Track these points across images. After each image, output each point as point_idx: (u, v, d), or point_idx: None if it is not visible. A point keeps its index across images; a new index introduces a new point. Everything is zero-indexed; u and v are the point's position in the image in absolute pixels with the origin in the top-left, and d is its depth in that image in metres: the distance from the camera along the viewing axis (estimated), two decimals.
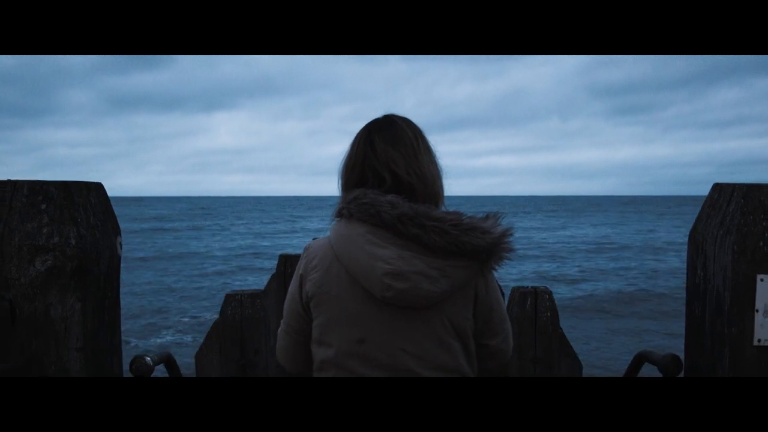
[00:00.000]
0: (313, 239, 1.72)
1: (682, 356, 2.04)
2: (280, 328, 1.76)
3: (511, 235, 1.58)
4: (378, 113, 1.74)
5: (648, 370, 2.05)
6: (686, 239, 2.12)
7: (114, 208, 1.99)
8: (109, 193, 1.98)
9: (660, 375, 1.98)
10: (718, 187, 1.96)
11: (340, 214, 1.62)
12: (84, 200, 1.82)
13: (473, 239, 1.52)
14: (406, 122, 1.70)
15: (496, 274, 1.68)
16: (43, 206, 1.75)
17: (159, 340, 11.77)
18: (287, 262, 3.31)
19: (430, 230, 1.51)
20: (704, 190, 2.05)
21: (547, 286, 2.84)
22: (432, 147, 1.70)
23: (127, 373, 2.02)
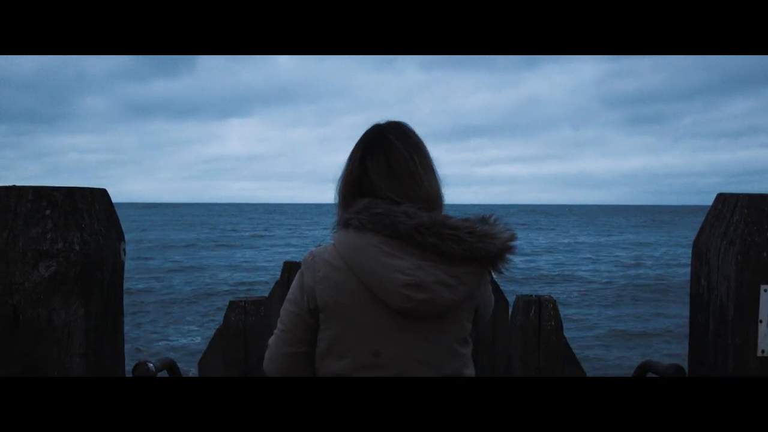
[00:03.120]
0: (315, 248, 1.69)
1: (685, 366, 2.04)
2: (273, 339, 1.68)
3: (516, 238, 1.61)
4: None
5: None
6: None
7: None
8: (114, 199, 1.99)
9: None
10: (722, 197, 1.95)
11: (347, 224, 1.59)
12: (88, 206, 1.83)
13: (487, 245, 1.54)
14: (401, 137, 1.66)
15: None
16: (48, 212, 1.75)
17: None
18: (291, 270, 3.30)
19: (446, 239, 1.51)
20: (712, 200, 2.05)
21: None
22: (430, 158, 1.67)
23: None
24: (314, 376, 1.66)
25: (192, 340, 12.47)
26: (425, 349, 1.57)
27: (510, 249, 1.58)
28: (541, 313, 2.64)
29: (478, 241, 1.53)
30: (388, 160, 1.62)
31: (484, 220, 1.60)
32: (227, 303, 2.80)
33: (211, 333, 2.95)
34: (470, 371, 1.66)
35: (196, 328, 13.64)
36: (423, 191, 1.61)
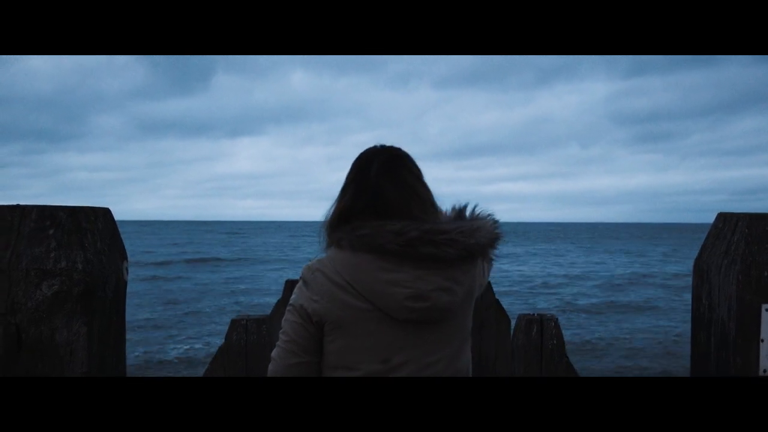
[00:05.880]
0: (310, 263, 1.69)
1: None
2: (277, 351, 1.66)
3: (499, 222, 1.67)
4: (400, 139, 1.74)
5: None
6: None
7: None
8: (117, 218, 2.00)
9: None
10: (722, 217, 1.96)
11: (339, 244, 1.61)
12: (91, 225, 1.84)
13: (478, 239, 1.59)
14: (393, 178, 1.65)
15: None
16: (51, 231, 1.76)
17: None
18: (293, 288, 3.30)
19: (442, 244, 1.54)
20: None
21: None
22: (422, 184, 1.68)
23: None
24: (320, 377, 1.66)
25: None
26: (434, 351, 1.60)
27: (498, 236, 1.65)
28: (543, 331, 2.64)
29: (469, 238, 1.57)
30: (378, 210, 1.61)
31: (460, 215, 1.64)
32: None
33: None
34: (470, 363, 1.73)
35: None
36: (415, 218, 1.62)
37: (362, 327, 1.58)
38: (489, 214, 1.68)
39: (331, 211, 1.68)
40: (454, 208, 1.68)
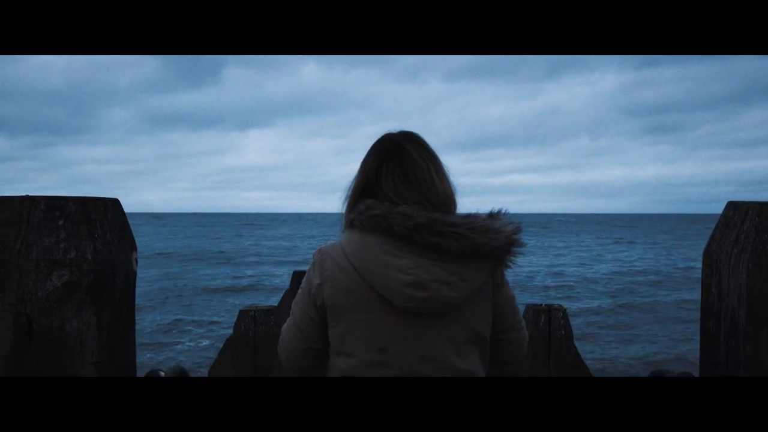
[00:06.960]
0: (321, 246, 1.71)
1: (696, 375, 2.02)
2: (286, 329, 1.73)
3: (521, 231, 1.62)
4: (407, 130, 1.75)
5: None
6: None
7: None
8: (125, 209, 2.01)
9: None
10: (732, 205, 1.95)
11: (351, 225, 1.62)
12: (101, 216, 1.84)
13: (490, 240, 1.55)
14: (417, 147, 1.69)
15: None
16: (61, 222, 1.77)
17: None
18: (300, 279, 3.31)
19: (448, 236, 1.52)
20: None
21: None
22: (444, 167, 1.70)
23: None
24: (323, 376, 1.68)
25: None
26: (432, 346, 1.57)
27: (515, 242, 1.59)
28: (551, 322, 2.64)
29: (479, 237, 1.54)
30: (405, 170, 1.63)
31: (491, 216, 1.61)
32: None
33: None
34: (480, 371, 1.66)
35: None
36: (436, 198, 1.62)
37: (362, 314, 1.58)
38: (513, 222, 1.62)
39: (351, 191, 1.70)
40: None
